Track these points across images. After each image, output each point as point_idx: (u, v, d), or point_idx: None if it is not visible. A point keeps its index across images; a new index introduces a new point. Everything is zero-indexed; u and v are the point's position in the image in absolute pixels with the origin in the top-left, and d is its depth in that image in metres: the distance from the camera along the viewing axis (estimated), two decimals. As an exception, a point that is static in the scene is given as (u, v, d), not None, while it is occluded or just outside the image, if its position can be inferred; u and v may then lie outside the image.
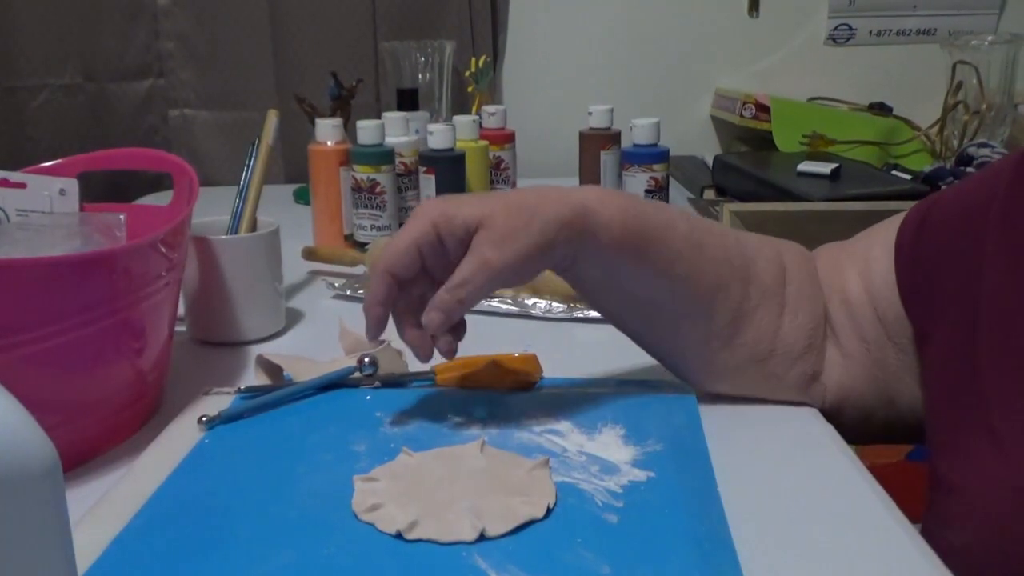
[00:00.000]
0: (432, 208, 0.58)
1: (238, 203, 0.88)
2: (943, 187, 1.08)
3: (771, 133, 1.47)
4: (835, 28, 1.66)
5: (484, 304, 0.90)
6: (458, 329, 0.61)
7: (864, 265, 0.65)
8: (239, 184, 0.89)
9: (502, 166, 1.20)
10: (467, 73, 1.43)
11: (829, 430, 0.64)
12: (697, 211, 1.23)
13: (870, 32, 1.66)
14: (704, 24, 1.64)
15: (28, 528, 0.30)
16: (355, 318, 0.88)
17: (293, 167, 1.56)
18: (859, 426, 0.67)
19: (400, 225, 1.13)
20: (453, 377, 0.70)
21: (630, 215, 0.59)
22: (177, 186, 0.79)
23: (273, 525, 0.52)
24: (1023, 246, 0.53)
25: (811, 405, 0.67)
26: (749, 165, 1.32)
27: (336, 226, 1.11)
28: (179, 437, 0.63)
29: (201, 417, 0.64)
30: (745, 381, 0.65)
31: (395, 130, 1.14)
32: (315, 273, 1.04)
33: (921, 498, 0.59)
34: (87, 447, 0.63)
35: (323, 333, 0.85)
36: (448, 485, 0.53)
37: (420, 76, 1.41)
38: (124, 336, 0.63)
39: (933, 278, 0.59)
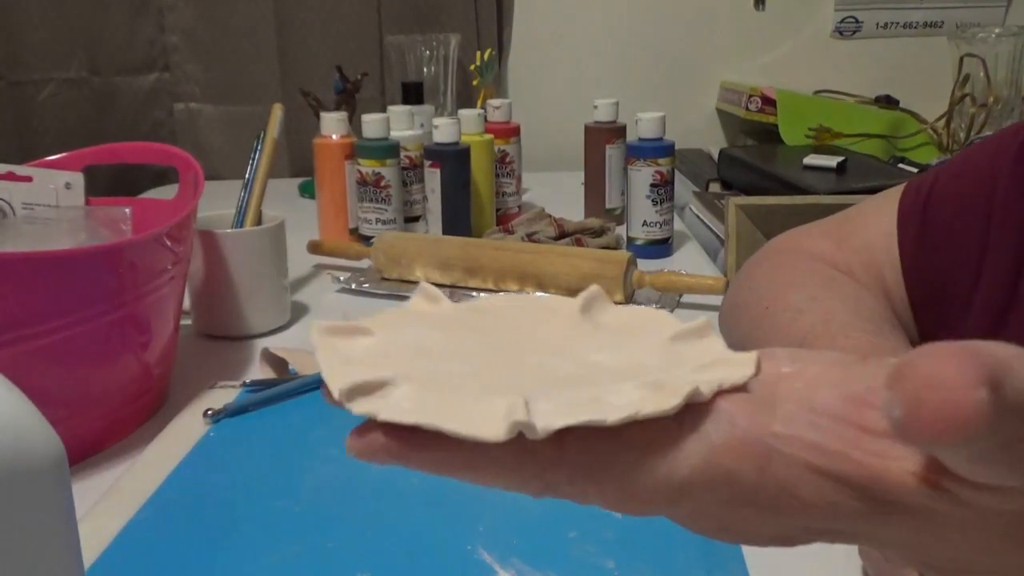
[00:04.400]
0: None
1: (243, 197, 0.88)
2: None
3: (777, 126, 1.47)
4: (841, 21, 1.65)
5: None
6: None
7: (869, 256, 0.64)
8: (244, 178, 0.89)
9: (507, 160, 1.20)
10: (472, 67, 1.43)
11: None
12: (703, 204, 1.23)
13: (877, 25, 1.65)
14: (710, 17, 1.64)
15: (35, 521, 0.30)
16: (360, 311, 0.88)
17: (298, 161, 1.56)
18: None
19: (405, 220, 1.13)
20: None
21: None
22: (182, 180, 0.79)
23: (278, 518, 0.52)
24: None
25: None
26: (755, 158, 1.32)
27: (341, 220, 1.11)
28: (185, 430, 0.63)
29: (207, 410, 0.64)
30: None
31: (400, 124, 1.14)
32: (320, 267, 1.04)
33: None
34: (93, 440, 0.63)
35: (328, 327, 0.85)
36: (508, 356, 0.27)
37: (425, 70, 1.41)
38: (130, 330, 0.63)
39: (941, 263, 0.58)
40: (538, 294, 0.29)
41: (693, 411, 0.24)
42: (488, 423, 0.22)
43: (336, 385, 0.24)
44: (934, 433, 0.19)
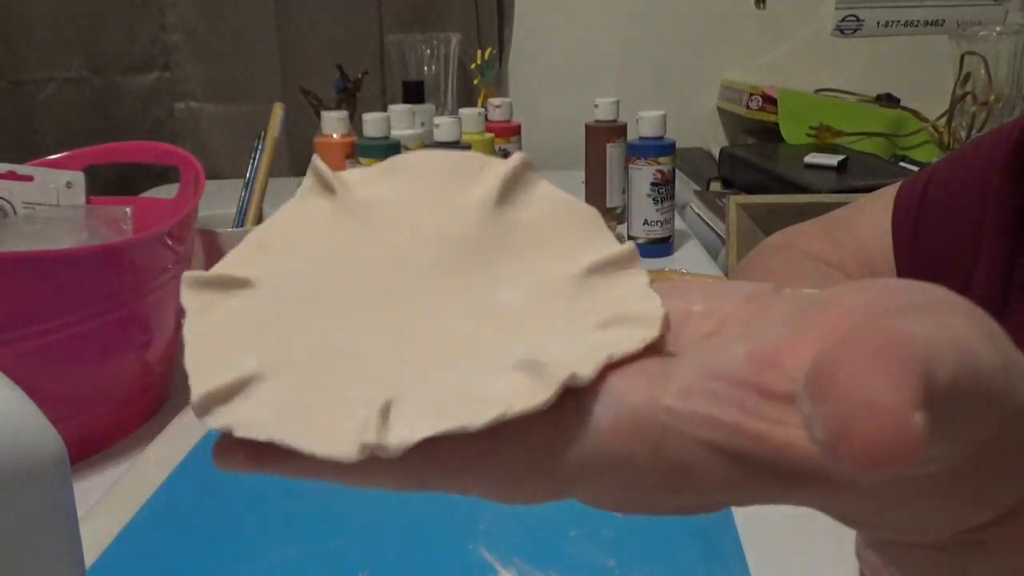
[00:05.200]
0: None
1: (244, 196, 0.88)
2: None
3: (778, 125, 1.47)
4: (842, 19, 1.65)
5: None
6: None
7: (864, 255, 0.64)
8: (245, 177, 0.89)
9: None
10: (473, 66, 1.43)
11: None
12: (703, 203, 1.23)
13: (877, 23, 1.65)
14: (711, 16, 1.64)
15: (36, 520, 0.30)
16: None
17: (299, 160, 1.56)
18: None
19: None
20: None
21: None
22: (183, 179, 0.79)
23: (278, 518, 0.52)
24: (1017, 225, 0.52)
25: None
26: (756, 157, 1.32)
27: (342, 219, 1.11)
28: (186, 430, 0.63)
29: (208, 410, 0.65)
30: None
31: (401, 123, 1.14)
32: (321, 266, 1.04)
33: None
34: (94, 439, 0.63)
35: (329, 326, 0.85)
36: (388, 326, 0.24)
37: (426, 69, 1.41)
38: (131, 329, 0.64)
39: (935, 260, 0.58)
40: (453, 152, 0.27)
41: (579, 390, 0.21)
42: (341, 440, 0.21)
43: (196, 392, 0.22)
44: (866, 465, 0.16)
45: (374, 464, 0.21)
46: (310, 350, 0.23)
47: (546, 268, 0.24)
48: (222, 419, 0.22)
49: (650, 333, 0.22)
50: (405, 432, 0.21)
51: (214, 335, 0.24)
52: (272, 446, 0.21)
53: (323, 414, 0.21)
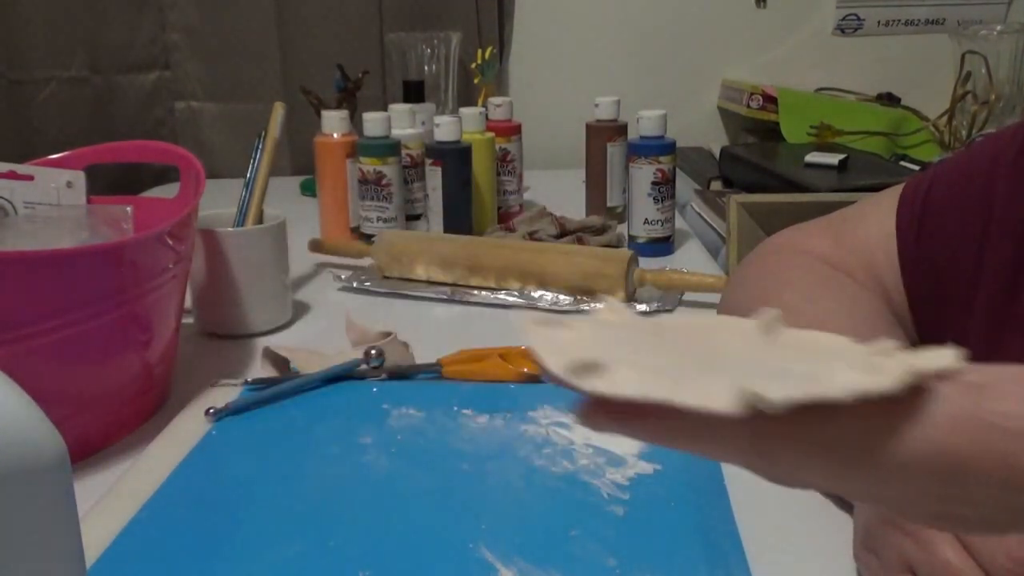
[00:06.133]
0: None
1: (244, 195, 0.88)
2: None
3: (778, 124, 1.47)
4: (843, 18, 1.65)
5: (490, 296, 0.90)
6: None
7: (868, 256, 0.64)
8: (245, 176, 0.89)
9: (508, 158, 1.20)
10: (473, 65, 1.43)
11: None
12: (704, 202, 1.23)
13: (878, 22, 1.65)
14: (711, 15, 1.64)
15: (37, 520, 0.30)
16: (361, 310, 0.89)
17: (299, 159, 1.56)
18: None
19: (407, 217, 1.13)
20: (460, 370, 0.70)
21: None
22: (184, 178, 0.79)
23: (280, 517, 0.52)
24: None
25: None
26: (756, 156, 1.32)
27: (342, 218, 1.11)
28: (186, 429, 0.63)
29: (208, 409, 0.65)
30: None
31: (401, 122, 1.14)
32: (322, 265, 1.04)
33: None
34: (95, 439, 0.63)
35: (330, 325, 0.85)
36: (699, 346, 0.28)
37: (426, 68, 1.41)
38: (131, 328, 0.64)
39: (939, 262, 0.58)
40: (713, 314, 0.29)
41: (909, 392, 0.24)
42: (718, 397, 0.22)
43: (556, 362, 0.24)
44: None
45: (729, 428, 0.23)
46: (648, 361, 0.25)
47: (827, 357, 0.26)
48: (595, 383, 0.23)
49: (955, 362, 0.24)
50: (781, 393, 0.22)
51: (559, 344, 0.26)
52: (639, 408, 0.23)
53: (691, 383, 0.23)
